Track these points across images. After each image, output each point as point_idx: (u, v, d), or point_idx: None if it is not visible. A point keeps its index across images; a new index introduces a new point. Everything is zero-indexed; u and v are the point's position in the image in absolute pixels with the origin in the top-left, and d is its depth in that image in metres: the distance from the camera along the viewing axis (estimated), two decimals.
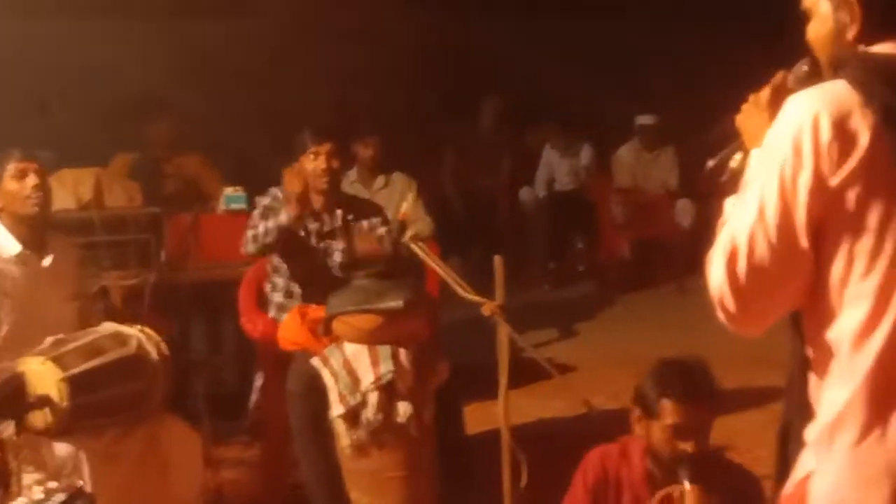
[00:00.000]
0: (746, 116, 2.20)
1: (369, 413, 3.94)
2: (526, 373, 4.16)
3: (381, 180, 6.56)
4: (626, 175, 8.96)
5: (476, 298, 3.53)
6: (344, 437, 3.97)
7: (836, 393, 1.95)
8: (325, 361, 4.05)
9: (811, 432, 2.01)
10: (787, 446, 2.12)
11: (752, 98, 2.21)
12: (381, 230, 4.74)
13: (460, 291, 3.58)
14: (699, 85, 9.10)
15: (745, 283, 1.93)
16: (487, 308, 3.50)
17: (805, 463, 2.04)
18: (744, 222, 1.94)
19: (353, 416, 3.96)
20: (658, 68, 9.33)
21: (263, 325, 4.68)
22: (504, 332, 3.50)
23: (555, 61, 9.18)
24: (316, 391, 4.01)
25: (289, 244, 4.59)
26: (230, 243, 4.84)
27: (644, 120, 8.86)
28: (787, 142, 1.93)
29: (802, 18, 2.16)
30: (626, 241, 8.84)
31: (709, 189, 2.42)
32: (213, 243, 5.51)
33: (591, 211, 8.87)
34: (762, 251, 1.92)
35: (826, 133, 1.90)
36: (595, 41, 9.18)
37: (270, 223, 4.48)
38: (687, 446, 2.92)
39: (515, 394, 5.50)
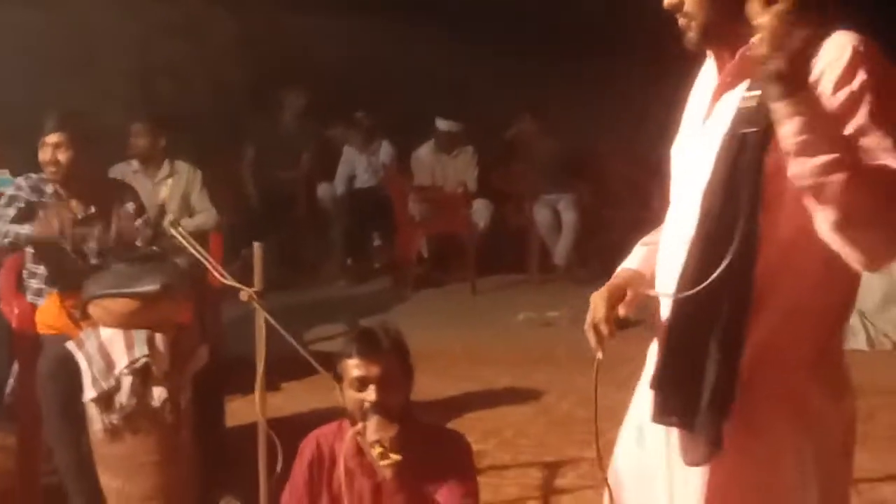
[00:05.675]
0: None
1: (123, 397, 3.91)
2: (310, 365, 4.17)
3: (165, 170, 6.45)
4: (425, 173, 9.05)
5: (233, 283, 3.51)
6: (97, 421, 3.93)
7: None
8: (81, 345, 4.00)
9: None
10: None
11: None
12: (140, 216, 4.66)
13: (218, 276, 3.57)
14: (503, 87, 9.32)
15: None
16: (245, 294, 3.47)
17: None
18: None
19: (106, 400, 3.92)
20: (462, 69, 9.46)
21: (21, 309, 4.55)
22: (261, 319, 3.49)
23: (359, 59, 9.23)
24: (67, 374, 3.95)
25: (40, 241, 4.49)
26: None
27: (442, 125, 8.93)
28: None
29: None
30: (422, 238, 8.93)
31: None
32: None
33: (389, 208, 8.92)
34: None
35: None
36: (405, 41, 9.25)
37: (14, 227, 4.39)
38: (369, 395, 3.00)
39: (297, 385, 5.57)
